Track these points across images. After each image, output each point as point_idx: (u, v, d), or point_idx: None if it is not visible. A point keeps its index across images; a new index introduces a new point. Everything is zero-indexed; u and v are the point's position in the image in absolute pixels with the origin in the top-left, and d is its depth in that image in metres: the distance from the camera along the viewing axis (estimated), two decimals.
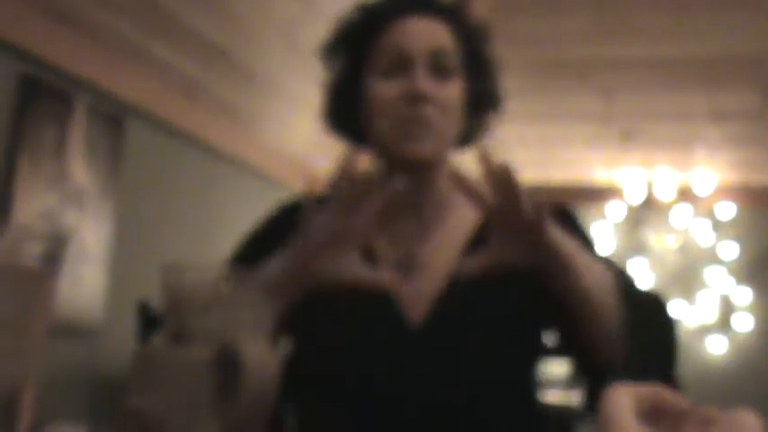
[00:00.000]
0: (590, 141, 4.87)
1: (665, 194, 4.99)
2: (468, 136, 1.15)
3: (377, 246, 1.10)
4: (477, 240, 1.09)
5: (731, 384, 4.58)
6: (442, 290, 1.06)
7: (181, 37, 2.98)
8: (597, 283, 0.97)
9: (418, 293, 1.06)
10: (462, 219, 1.12)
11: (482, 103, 1.14)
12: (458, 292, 1.06)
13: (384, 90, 1.05)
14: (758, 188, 4.91)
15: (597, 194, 5.15)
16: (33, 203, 2.47)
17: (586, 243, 1.12)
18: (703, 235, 5.11)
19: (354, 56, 1.10)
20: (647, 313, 1.01)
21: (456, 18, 1.11)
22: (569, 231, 1.11)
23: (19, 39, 2.41)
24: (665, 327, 1.02)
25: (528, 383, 1.10)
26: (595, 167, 5.05)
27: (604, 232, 5.11)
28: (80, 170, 2.66)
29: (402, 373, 1.02)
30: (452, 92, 1.07)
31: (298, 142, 3.94)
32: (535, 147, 4.87)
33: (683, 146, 4.77)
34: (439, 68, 1.06)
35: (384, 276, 0.95)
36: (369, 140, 1.11)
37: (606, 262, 1.09)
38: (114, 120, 2.81)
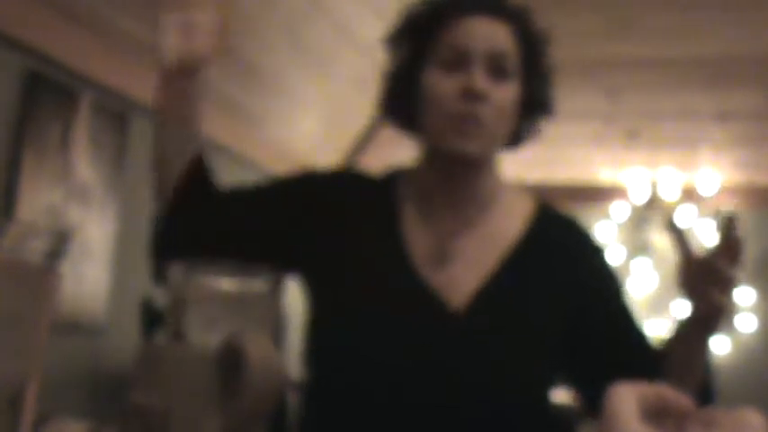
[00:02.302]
0: (594, 141, 4.85)
1: (669, 194, 4.98)
2: (517, 138, 1.17)
3: (411, 233, 1.11)
4: (522, 248, 1.10)
5: (734, 384, 4.56)
6: (482, 285, 1.07)
7: None
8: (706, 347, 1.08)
9: (452, 285, 1.07)
10: (506, 222, 1.13)
11: (534, 108, 1.15)
12: (498, 290, 1.07)
13: (442, 83, 1.07)
14: (763, 189, 4.90)
15: (601, 194, 5.13)
16: (38, 199, 2.47)
17: (610, 276, 1.15)
18: (707, 235, 5.10)
19: (416, 48, 1.11)
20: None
21: (519, 22, 1.13)
22: (597, 265, 1.14)
23: (24, 35, 2.41)
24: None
25: (549, 385, 1.11)
26: (600, 167, 5.04)
27: (608, 232, 5.10)
28: (84, 166, 2.66)
29: (435, 360, 1.03)
30: (507, 93, 1.09)
31: (301, 139, 3.94)
32: (539, 146, 4.84)
33: (687, 146, 4.75)
34: (496, 70, 1.08)
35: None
36: (420, 130, 1.13)
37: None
38: (118, 116, 2.81)
